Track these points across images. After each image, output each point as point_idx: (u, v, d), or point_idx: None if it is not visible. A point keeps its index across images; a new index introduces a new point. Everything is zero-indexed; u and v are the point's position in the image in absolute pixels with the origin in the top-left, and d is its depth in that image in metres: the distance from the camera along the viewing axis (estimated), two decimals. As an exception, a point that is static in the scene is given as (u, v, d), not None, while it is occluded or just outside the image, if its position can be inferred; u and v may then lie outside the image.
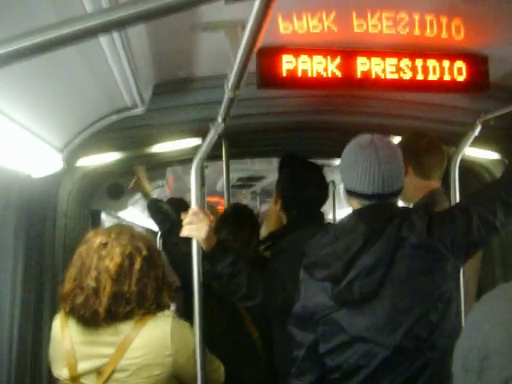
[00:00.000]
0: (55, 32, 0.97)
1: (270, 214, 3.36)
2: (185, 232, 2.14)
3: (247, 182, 7.64)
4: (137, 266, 1.98)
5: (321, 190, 2.67)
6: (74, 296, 1.96)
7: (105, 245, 2.01)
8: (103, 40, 1.57)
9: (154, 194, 6.09)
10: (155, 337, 1.97)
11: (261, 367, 2.69)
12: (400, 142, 2.74)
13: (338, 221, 2.10)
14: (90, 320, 1.94)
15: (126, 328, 1.95)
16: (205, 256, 2.19)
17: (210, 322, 2.39)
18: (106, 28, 0.98)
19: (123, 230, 2.11)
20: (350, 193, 1.97)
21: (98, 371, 1.95)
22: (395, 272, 1.85)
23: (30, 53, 0.99)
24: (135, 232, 2.14)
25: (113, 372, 1.93)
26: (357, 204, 1.98)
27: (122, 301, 1.93)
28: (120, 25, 1.01)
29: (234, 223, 2.74)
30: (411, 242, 1.85)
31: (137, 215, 5.97)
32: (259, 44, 1.31)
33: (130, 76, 1.88)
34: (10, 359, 2.52)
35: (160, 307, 2.04)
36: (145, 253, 2.03)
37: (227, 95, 1.77)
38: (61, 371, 2.01)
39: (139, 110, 2.17)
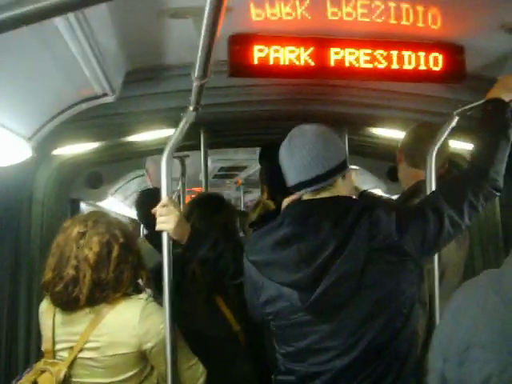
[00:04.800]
0: (6, 13, 0.94)
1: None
2: (157, 226, 2.10)
3: (230, 171, 7.59)
4: (114, 253, 2.03)
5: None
6: (55, 285, 2.02)
7: (83, 234, 2.05)
8: (62, 26, 1.52)
9: (133, 186, 6.08)
10: (124, 316, 2.02)
11: (245, 364, 2.62)
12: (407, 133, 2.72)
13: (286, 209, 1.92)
14: (70, 306, 2.02)
15: (99, 309, 2.02)
16: (184, 247, 2.16)
17: (188, 316, 2.36)
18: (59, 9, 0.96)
19: (100, 217, 2.14)
20: (291, 189, 1.90)
21: (70, 348, 2.02)
22: (366, 277, 1.74)
23: None
24: (111, 219, 2.18)
25: (81, 349, 1.99)
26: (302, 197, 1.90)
27: (101, 287, 2.00)
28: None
29: (203, 210, 2.68)
30: (379, 244, 1.75)
31: (117, 205, 5.93)
32: (220, 30, 1.28)
33: (96, 64, 1.84)
34: None
35: (136, 291, 2.11)
36: (122, 240, 2.08)
37: (195, 83, 1.74)
38: (43, 346, 2.10)
39: (109, 98, 2.12)
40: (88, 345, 2.00)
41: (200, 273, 2.52)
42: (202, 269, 2.38)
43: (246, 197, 9.10)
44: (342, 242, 1.73)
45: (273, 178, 2.69)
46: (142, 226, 8.05)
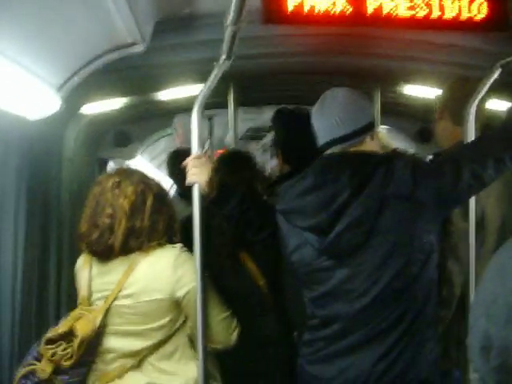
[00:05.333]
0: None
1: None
2: (188, 178, 2.10)
3: (257, 132, 7.50)
4: (149, 202, 2.08)
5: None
6: (90, 234, 2.07)
7: (118, 183, 2.10)
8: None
9: (162, 145, 6.05)
10: (158, 263, 2.05)
11: (270, 319, 2.63)
12: (446, 86, 2.64)
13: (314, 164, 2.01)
14: (106, 254, 2.07)
15: (134, 257, 2.06)
16: (210, 201, 2.15)
17: (213, 270, 2.36)
18: None
19: (134, 170, 2.23)
20: (321, 147, 2.02)
21: (106, 296, 2.06)
22: (381, 223, 1.83)
23: None
24: (146, 173, 2.24)
25: (116, 297, 2.03)
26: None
27: (136, 235, 2.05)
28: None
29: (231, 166, 2.67)
30: (394, 192, 1.83)
31: (145, 164, 5.94)
32: None
33: (128, 11, 1.79)
34: (14, 297, 2.53)
35: (170, 242, 2.13)
36: (156, 190, 2.14)
37: (228, 29, 1.69)
38: (79, 296, 2.15)
39: (139, 47, 2.07)
40: (123, 292, 2.03)
41: (225, 227, 2.51)
42: (228, 223, 2.37)
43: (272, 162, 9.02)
44: (357, 189, 1.83)
45: (286, 142, 2.73)
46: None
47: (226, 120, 5.05)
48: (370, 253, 1.85)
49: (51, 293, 3.05)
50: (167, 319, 2.06)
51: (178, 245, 2.12)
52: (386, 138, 2.91)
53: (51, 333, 2.02)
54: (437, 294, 1.96)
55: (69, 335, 2.00)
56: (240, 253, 2.58)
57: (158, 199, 2.11)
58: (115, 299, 2.04)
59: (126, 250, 2.04)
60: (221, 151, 7.87)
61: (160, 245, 2.09)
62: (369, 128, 1.97)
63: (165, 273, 2.04)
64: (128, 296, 2.03)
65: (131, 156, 4.65)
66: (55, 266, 3.08)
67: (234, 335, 2.15)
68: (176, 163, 3.90)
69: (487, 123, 2.53)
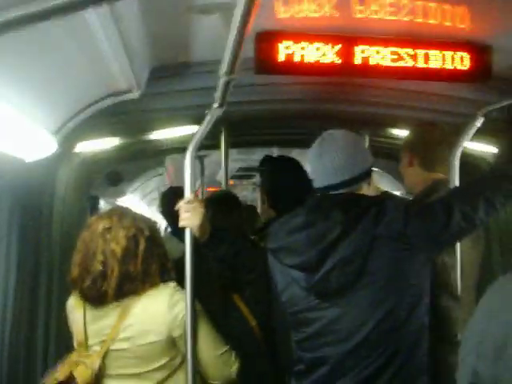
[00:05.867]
0: (42, 5, 0.96)
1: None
2: (181, 223, 2.12)
3: (247, 172, 7.60)
4: (141, 246, 2.05)
5: (302, 183, 2.68)
6: (82, 280, 2.03)
7: (109, 229, 2.06)
8: (95, 21, 1.54)
9: (152, 184, 6.11)
10: (153, 304, 2.03)
11: (261, 360, 2.62)
12: (409, 133, 2.69)
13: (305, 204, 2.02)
14: (99, 300, 2.03)
15: (127, 300, 2.03)
16: (203, 245, 2.17)
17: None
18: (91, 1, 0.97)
19: (124, 212, 2.16)
20: (318, 190, 2.00)
21: (103, 341, 2.04)
22: (371, 263, 1.80)
23: (17, 24, 0.99)
24: (136, 214, 2.21)
25: (113, 341, 2.01)
26: None
27: (129, 280, 2.02)
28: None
29: (219, 209, 2.71)
30: (385, 232, 1.81)
31: (135, 203, 5.97)
32: (250, 27, 1.28)
33: (125, 58, 1.85)
34: (3, 343, 2.51)
35: (163, 281, 2.11)
36: (147, 233, 2.09)
37: (222, 79, 1.75)
38: (75, 340, 2.12)
39: (135, 94, 2.13)
40: (119, 336, 2.01)
41: (217, 270, 2.53)
42: (219, 266, 2.39)
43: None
44: (348, 228, 1.82)
45: (273, 188, 2.75)
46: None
47: (217, 158, 5.14)
48: (359, 293, 1.82)
49: (39, 336, 3.02)
50: (166, 360, 2.05)
51: (172, 284, 2.10)
52: (375, 179, 2.97)
53: (50, 380, 2.00)
54: (428, 340, 1.91)
55: (68, 382, 1.98)
56: (232, 295, 2.59)
57: (150, 242, 2.08)
58: (112, 343, 2.02)
59: (121, 295, 2.02)
60: (211, 189, 7.95)
61: (153, 285, 2.06)
62: (366, 175, 1.97)
63: (160, 314, 2.02)
64: (125, 340, 2.01)
65: (122, 194, 4.69)
66: (44, 308, 3.06)
67: (234, 369, 2.13)
68: (169, 202, 3.93)
69: (474, 165, 2.61)
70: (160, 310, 2.02)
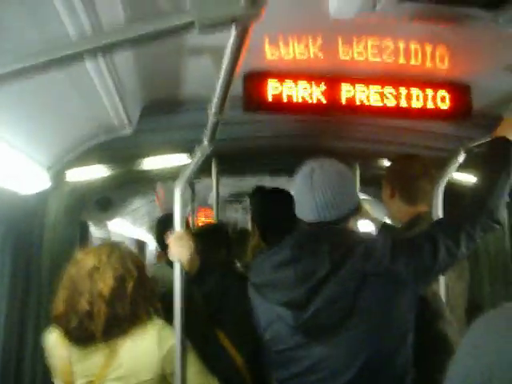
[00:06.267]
0: (42, 57, 1.01)
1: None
2: (170, 256, 2.13)
3: (238, 197, 7.67)
4: (129, 288, 2.01)
5: (293, 216, 2.69)
6: (68, 320, 1.99)
7: (97, 268, 2.03)
8: (89, 64, 1.60)
9: (143, 209, 6.15)
10: (143, 342, 2.00)
11: None
12: (390, 165, 2.71)
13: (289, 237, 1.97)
14: (86, 340, 1.98)
15: (116, 340, 1.99)
16: (191, 279, 2.17)
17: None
18: (90, 53, 1.03)
19: (113, 250, 2.11)
20: (304, 223, 1.95)
21: (91, 382, 1.99)
22: (360, 301, 1.77)
23: (21, 75, 1.04)
24: (124, 251, 2.15)
25: (103, 380, 1.97)
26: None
27: (117, 322, 1.98)
28: (105, 50, 1.06)
29: (206, 244, 2.73)
30: (373, 270, 1.79)
31: (125, 227, 5.99)
32: (238, 70, 1.33)
33: (117, 97, 1.91)
34: None
35: (150, 318, 2.07)
36: (135, 274, 2.06)
37: (211, 119, 1.80)
38: (58, 381, 2.06)
39: (127, 131, 2.19)
40: (110, 376, 1.98)
41: (202, 306, 2.53)
42: (207, 302, 2.39)
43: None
44: (336, 265, 1.78)
45: (263, 219, 2.71)
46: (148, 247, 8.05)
47: (207, 183, 5.19)
48: (348, 332, 1.77)
49: (27, 367, 3.03)
50: None
51: (159, 320, 2.08)
52: (367, 206, 3.01)
53: None
54: (412, 372, 1.90)
55: None
56: (216, 331, 2.61)
57: (138, 283, 2.05)
58: (101, 383, 1.98)
59: (108, 336, 1.97)
60: (203, 209, 7.98)
61: (141, 324, 2.02)
62: (355, 212, 1.93)
63: (151, 352, 2.00)
64: (115, 380, 1.98)
65: (112, 219, 4.71)
66: (33, 337, 3.07)
67: None
68: (162, 230, 3.95)
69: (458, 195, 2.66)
70: (150, 348, 2.00)
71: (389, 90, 2.20)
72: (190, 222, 4.93)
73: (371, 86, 2.19)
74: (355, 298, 1.77)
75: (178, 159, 3.14)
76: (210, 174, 3.68)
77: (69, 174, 3.22)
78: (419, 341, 2.15)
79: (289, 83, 2.11)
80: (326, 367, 1.81)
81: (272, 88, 2.10)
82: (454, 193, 2.74)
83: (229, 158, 3.39)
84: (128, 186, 4.40)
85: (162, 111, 2.37)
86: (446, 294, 2.41)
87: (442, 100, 2.25)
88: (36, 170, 2.06)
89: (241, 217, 10.33)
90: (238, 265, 3.18)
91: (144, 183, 4.36)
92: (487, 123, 2.35)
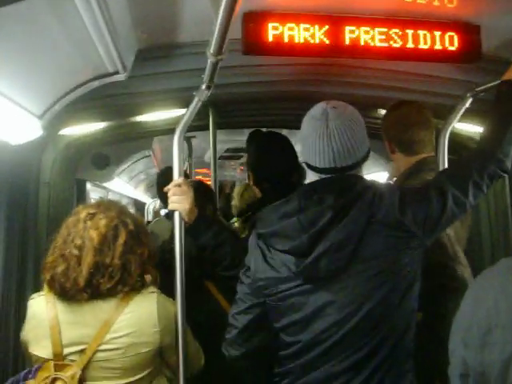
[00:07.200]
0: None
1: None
2: (170, 206, 2.10)
3: (236, 152, 7.57)
4: (121, 239, 1.96)
5: (289, 160, 2.63)
6: (56, 265, 1.93)
7: (92, 215, 1.99)
8: (81, 4, 1.51)
9: (141, 166, 6.07)
10: (142, 314, 1.95)
11: None
12: (384, 116, 2.59)
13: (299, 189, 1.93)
14: (71, 291, 1.90)
15: (109, 306, 1.93)
16: (187, 229, 2.15)
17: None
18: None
19: (112, 204, 2.09)
20: (307, 165, 1.89)
21: (81, 350, 1.92)
22: (363, 249, 1.75)
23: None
24: (125, 209, 2.12)
25: (96, 351, 1.90)
26: (314, 177, 1.88)
27: (105, 273, 1.91)
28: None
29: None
30: (381, 218, 1.76)
31: (123, 185, 5.93)
32: (238, 7, 1.26)
33: (110, 40, 1.81)
34: None
35: (144, 285, 2.02)
36: (131, 227, 2.00)
37: (210, 60, 1.73)
38: (42, 351, 1.94)
39: (121, 76, 2.09)
40: (104, 346, 1.90)
41: (195, 257, 2.49)
42: (199, 254, 2.36)
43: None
44: (341, 212, 1.76)
45: (258, 164, 2.65)
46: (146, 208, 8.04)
47: (205, 139, 5.11)
48: (351, 280, 1.76)
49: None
50: (150, 369, 1.99)
51: (154, 288, 2.03)
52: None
53: None
54: (416, 323, 1.89)
55: None
56: (208, 284, 2.61)
57: (132, 237, 1.98)
58: (95, 353, 1.89)
59: (94, 290, 1.90)
60: (200, 170, 7.91)
61: (135, 291, 1.97)
62: (367, 157, 1.89)
63: (149, 325, 1.95)
64: (111, 350, 1.91)
65: (109, 177, 4.65)
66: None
67: (203, 359, 2.21)
68: (163, 182, 3.92)
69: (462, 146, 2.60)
70: (151, 320, 1.95)
71: (394, 30, 2.10)
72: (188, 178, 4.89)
73: (376, 27, 2.09)
74: (359, 245, 1.75)
75: (174, 113, 3.06)
76: (206, 128, 3.59)
77: (62, 127, 3.14)
78: (437, 283, 2.15)
79: (290, 24, 2.01)
80: (327, 314, 1.79)
81: (272, 29, 2.00)
82: (456, 142, 2.69)
83: (227, 109, 3.31)
84: (124, 141, 4.31)
85: (158, 56, 2.28)
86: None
87: (450, 41, 2.15)
88: (26, 119, 1.98)
89: (238, 175, 10.30)
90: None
91: (140, 138, 4.27)
92: (496, 67, 2.26)
